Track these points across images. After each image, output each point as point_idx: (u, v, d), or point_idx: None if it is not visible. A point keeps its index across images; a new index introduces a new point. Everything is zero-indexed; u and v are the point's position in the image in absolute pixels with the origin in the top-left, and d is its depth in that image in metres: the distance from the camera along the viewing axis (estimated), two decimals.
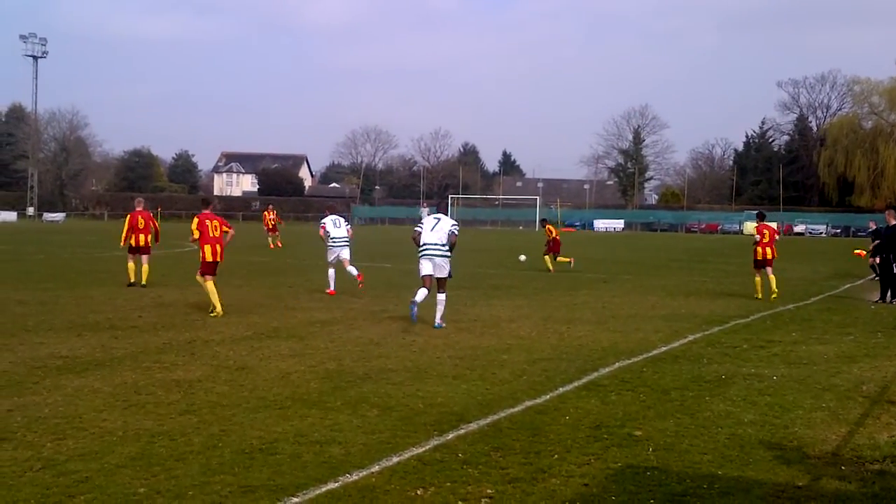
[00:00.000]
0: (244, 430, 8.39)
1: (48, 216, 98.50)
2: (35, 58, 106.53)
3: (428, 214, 16.13)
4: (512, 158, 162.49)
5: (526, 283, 25.58)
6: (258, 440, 8.04)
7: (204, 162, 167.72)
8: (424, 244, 15.55)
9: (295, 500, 6.47)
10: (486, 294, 21.88)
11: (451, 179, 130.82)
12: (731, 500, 6.61)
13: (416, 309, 15.37)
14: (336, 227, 21.87)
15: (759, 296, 21.79)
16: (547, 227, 32.72)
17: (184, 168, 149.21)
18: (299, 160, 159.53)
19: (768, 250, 22.36)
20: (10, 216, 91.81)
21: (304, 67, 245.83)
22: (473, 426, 8.71)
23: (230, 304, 18.69)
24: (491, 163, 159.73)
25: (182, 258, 34.21)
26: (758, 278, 22.33)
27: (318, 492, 6.65)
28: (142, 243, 22.87)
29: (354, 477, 7.01)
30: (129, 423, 8.62)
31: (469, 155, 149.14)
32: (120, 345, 13.30)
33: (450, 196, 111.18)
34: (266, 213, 47.62)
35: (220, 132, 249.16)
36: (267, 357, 12.47)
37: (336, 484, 6.84)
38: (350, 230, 22.56)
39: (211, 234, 17.46)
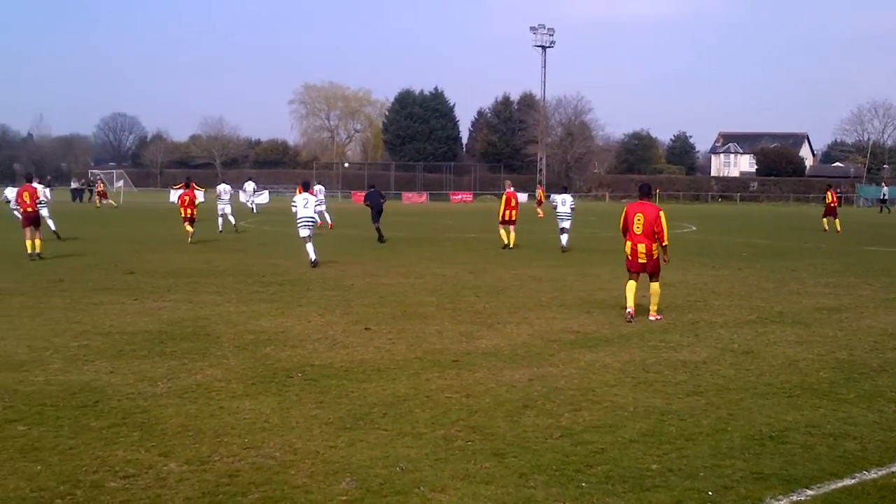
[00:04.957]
0: (752, 416, 8.33)
1: (554, 197, 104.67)
2: (543, 48, 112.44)
3: None
4: None
5: None
6: (767, 427, 7.94)
7: (701, 143, 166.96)
8: None
9: (809, 492, 6.31)
10: None
11: None
12: None
13: None
14: (304, 207, 23.24)
15: None
16: (828, 192, 41.36)
17: (681, 149, 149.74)
18: (799, 139, 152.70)
19: None
20: (522, 197, 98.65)
21: (806, 38, 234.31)
22: None
23: (723, 286, 18.54)
24: None
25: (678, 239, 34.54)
26: None
27: (833, 486, 6.43)
28: (514, 217, 28.44)
29: (873, 475, 6.68)
30: (638, 399, 8.96)
31: None
32: (626, 323, 13.79)
33: None
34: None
35: (717, 112, 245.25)
36: (772, 342, 12.22)
37: (852, 480, 6.57)
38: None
39: (26, 200, 24.10)
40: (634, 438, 7.58)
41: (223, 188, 38.29)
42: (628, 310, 13.98)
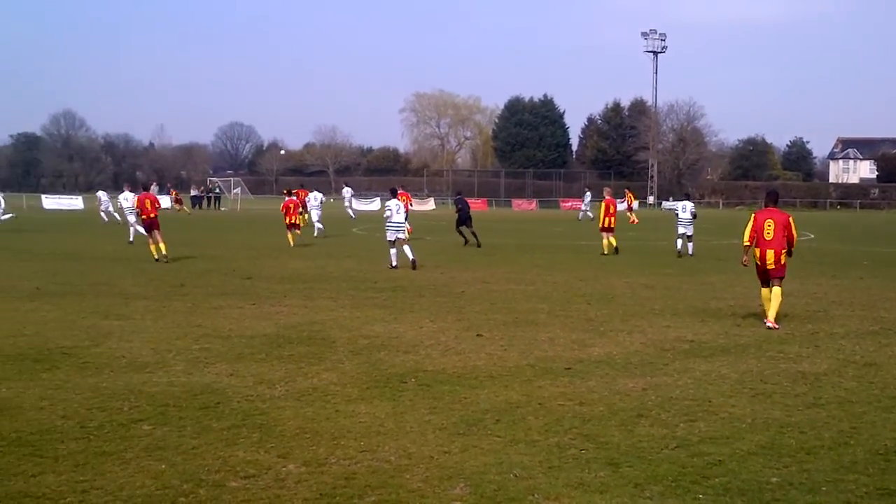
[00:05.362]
0: (876, 430, 8.07)
1: (667, 205, 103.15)
2: (655, 53, 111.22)
3: None
4: None
5: None
6: (893, 442, 7.69)
7: (819, 148, 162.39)
8: None
9: None
10: None
11: None
12: None
13: None
14: (397, 212, 24.04)
15: None
16: None
17: (798, 155, 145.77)
18: None
19: None
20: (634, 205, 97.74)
21: None
22: None
23: (844, 295, 18.00)
24: None
25: None
26: None
27: None
28: (613, 224, 28.87)
29: None
30: (757, 411, 8.76)
31: None
32: (742, 332, 13.51)
33: None
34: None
35: (835, 117, 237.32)
36: None
37: None
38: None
39: (148, 208, 25.08)
40: (753, 451, 7.42)
41: (314, 195, 39.89)
42: (767, 323, 13.97)
